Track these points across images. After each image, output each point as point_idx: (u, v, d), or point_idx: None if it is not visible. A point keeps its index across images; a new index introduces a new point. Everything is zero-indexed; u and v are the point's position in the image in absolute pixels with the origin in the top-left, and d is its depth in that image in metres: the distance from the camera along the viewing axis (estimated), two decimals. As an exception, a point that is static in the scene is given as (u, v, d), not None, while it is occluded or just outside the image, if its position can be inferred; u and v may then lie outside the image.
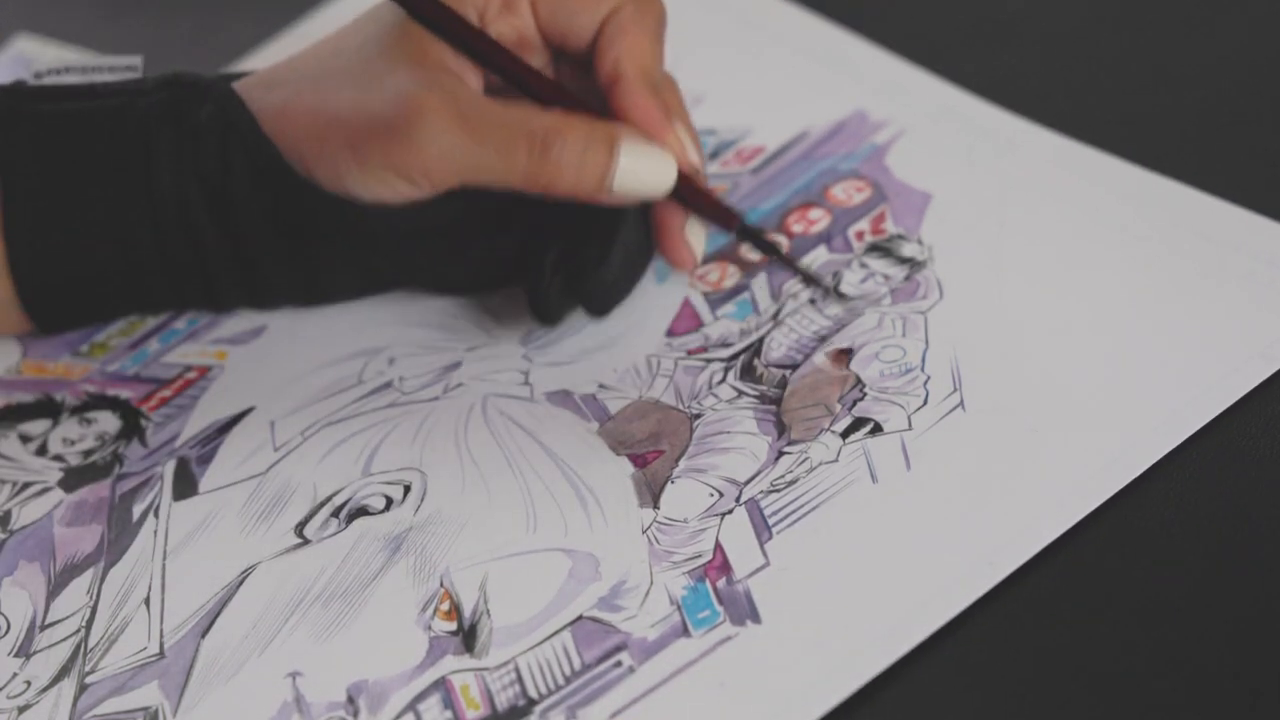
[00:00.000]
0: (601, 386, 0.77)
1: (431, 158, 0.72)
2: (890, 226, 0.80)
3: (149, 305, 0.81)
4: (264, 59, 0.93)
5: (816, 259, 0.80)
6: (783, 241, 0.80)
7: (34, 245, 0.77)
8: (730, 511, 0.71)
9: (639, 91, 0.74)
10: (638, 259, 0.77)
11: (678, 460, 0.73)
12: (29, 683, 0.71)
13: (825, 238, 0.81)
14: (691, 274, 0.79)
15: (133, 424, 0.79)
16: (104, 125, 0.77)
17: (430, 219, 0.76)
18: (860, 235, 0.80)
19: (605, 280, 0.76)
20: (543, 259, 0.76)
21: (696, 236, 0.75)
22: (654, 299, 0.80)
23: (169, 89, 0.78)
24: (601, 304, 0.77)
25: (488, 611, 0.69)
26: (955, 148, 0.83)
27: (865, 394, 0.74)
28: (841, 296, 0.77)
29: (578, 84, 0.76)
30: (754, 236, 0.75)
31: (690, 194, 0.74)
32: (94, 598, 0.73)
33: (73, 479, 0.77)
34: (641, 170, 0.72)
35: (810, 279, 0.76)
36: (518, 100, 0.74)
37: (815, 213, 0.82)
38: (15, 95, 0.78)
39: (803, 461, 0.72)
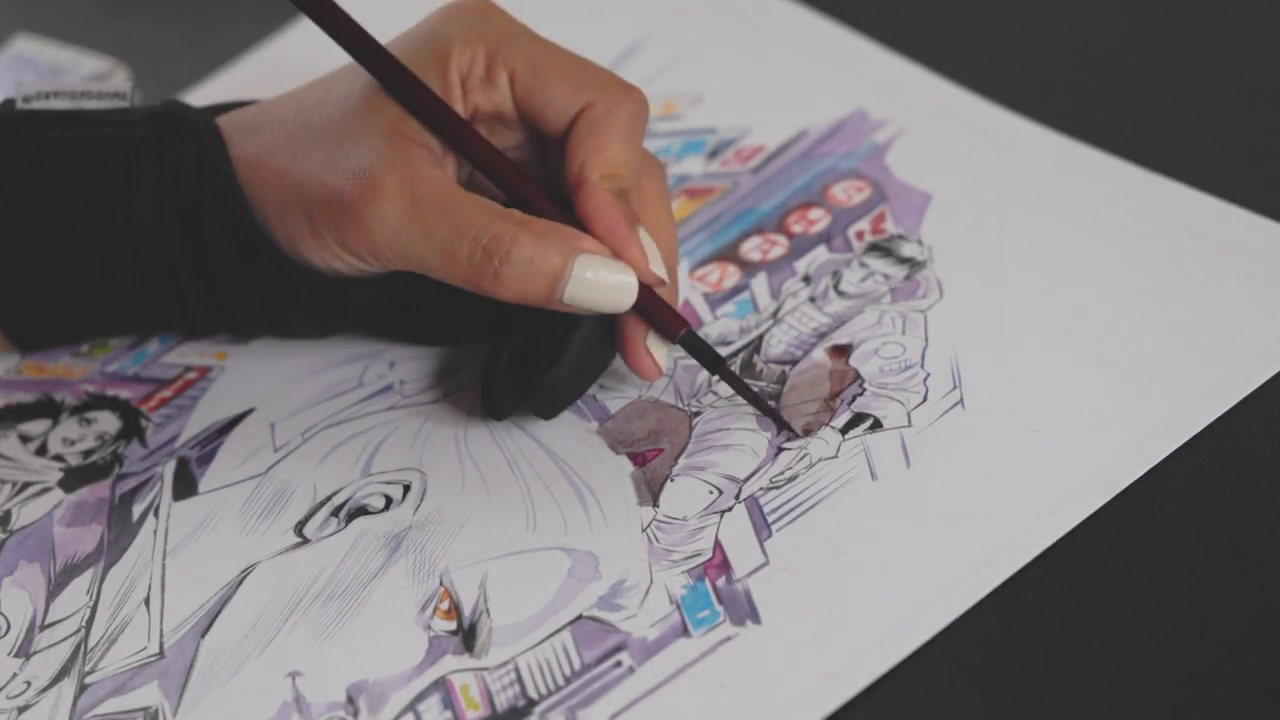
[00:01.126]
0: (601, 386, 0.77)
1: (379, 241, 0.71)
2: (890, 226, 0.80)
3: (128, 330, 0.81)
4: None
5: (816, 258, 0.80)
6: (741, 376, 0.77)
7: (15, 271, 0.77)
8: (730, 509, 0.71)
9: (601, 200, 0.72)
10: (594, 361, 0.75)
11: (677, 458, 0.73)
12: (29, 683, 0.71)
13: (825, 237, 0.80)
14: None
15: (133, 424, 0.79)
16: (89, 156, 0.76)
17: (392, 290, 0.76)
18: (860, 235, 0.80)
19: (553, 385, 0.74)
20: (497, 355, 0.75)
21: (659, 348, 0.73)
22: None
23: (155, 121, 0.77)
24: (548, 408, 0.75)
25: (487, 611, 0.69)
26: (955, 147, 0.83)
27: (865, 389, 0.74)
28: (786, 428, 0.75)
29: (554, 164, 0.74)
30: (700, 351, 0.73)
31: (650, 306, 0.72)
32: (94, 598, 0.73)
33: (73, 479, 0.77)
34: (599, 286, 0.71)
35: (775, 418, 0.74)
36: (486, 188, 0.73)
37: (815, 212, 0.82)
38: (1, 121, 0.78)
39: (802, 458, 0.72)
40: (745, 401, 0.74)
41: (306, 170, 0.73)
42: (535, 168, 0.75)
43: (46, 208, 0.77)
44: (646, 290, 0.72)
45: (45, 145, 0.77)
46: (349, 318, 0.78)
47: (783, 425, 0.73)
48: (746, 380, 0.75)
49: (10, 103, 0.78)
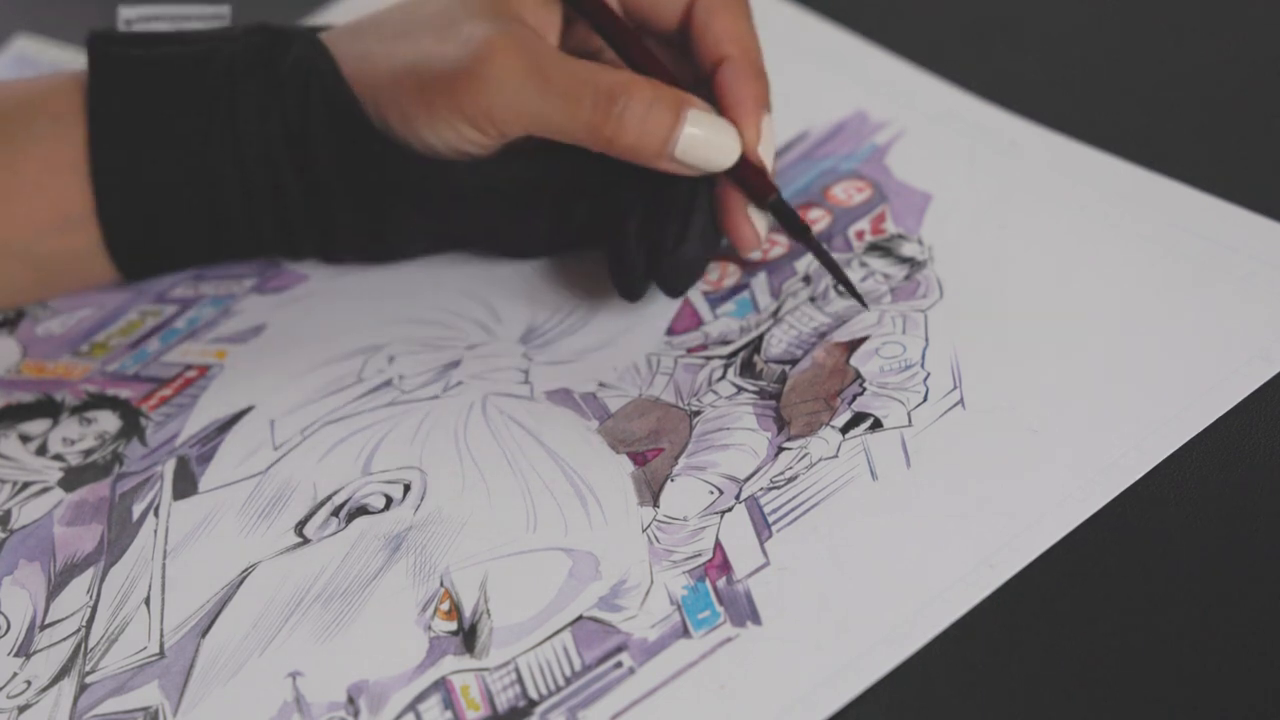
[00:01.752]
0: (601, 385, 0.77)
1: (497, 102, 0.73)
2: (890, 226, 0.80)
3: (229, 252, 0.81)
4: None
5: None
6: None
7: (121, 189, 0.78)
8: (730, 509, 0.71)
9: (746, 76, 0.75)
10: (711, 238, 0.77)
11: (677, 458, 0.73)
12: (29, 682, 0.71)
13: (825, 237, 0.80)
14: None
15: (132, 423, 0.79)
16: (192, 70, 0.77)
17: (499, 178, 0.77)
18: (860, 235, 0.80)
19: (683, 259, 0.75)
20: (625, 231, 0.76)
21: (759, 217, 0.75)
22: (654, 299, 0.80)
23: (256, 35, 0.78)
24: (679, 284, 0.76)
25: (488, 611, 0.69)
26: (955, 148, 0.83)
27: (865, 389, 0.74)
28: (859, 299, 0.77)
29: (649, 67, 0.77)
30: (788, 219, 0.76)
31: (746, 174, 0.74)
32: (94, 597, 0.73)
33: (73, 478, 0.77)
34: (706, 141, 0.73)
35: (854, 293, 0.76)
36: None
37: (815, 213, 0.82)
38: (105, 40, 0.78)
39: (802, 458, 0.72)
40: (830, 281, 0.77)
41: (419, 49, 0.75)
42: (650, 50, 0.77)
43: (151, 124, 0.77)
44: (744, 159, 0.74)
45: (149, 61, 0.78)
46: (452, 214, 0.79)
47: (859, 298, 0.76)
48: (747, 379, 0.75)
49: (112, 28, 0.79)
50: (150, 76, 0.78)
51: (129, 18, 0.80)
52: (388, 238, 0.80)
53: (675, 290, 0.77)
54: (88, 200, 0.78)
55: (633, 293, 0.77)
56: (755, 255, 0.80)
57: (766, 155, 0.75)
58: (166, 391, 0.80)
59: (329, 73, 0.76)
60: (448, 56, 0.74)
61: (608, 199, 0.77)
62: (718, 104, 0.75)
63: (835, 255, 0.80)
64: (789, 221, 0.76)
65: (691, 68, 0.77)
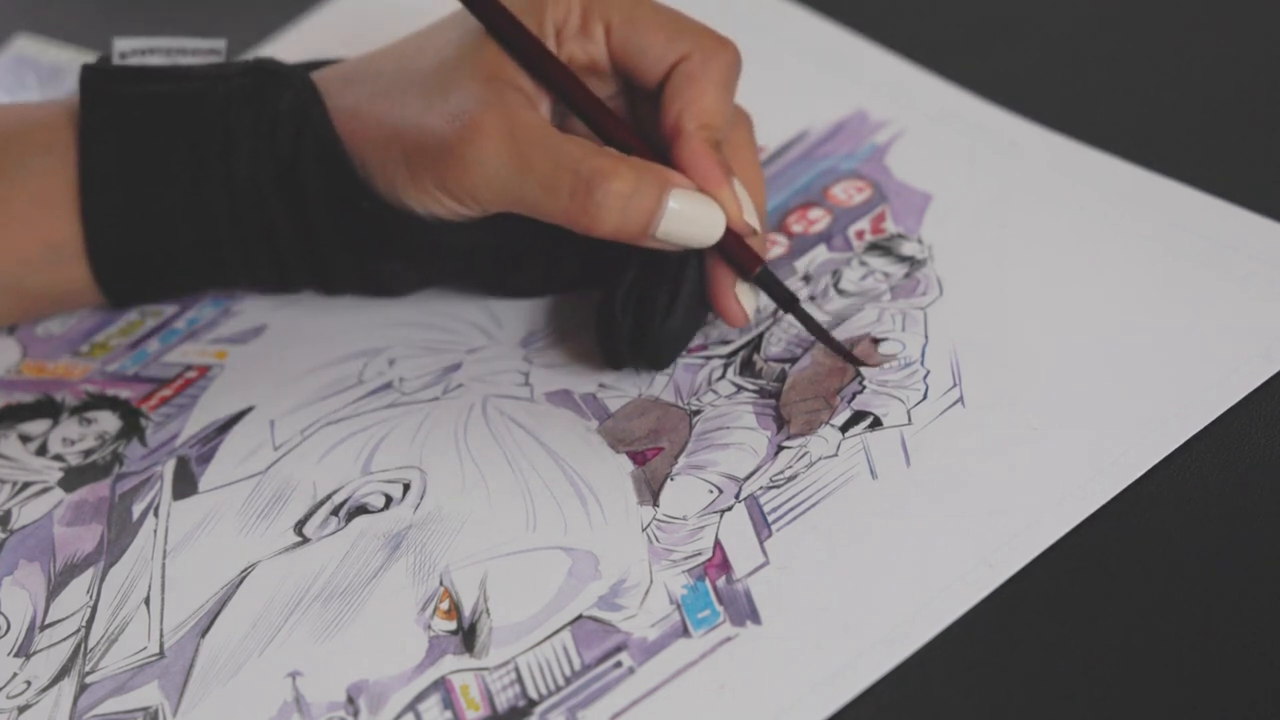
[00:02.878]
0: (601, 385, 0.77)
1: (478, 181, 0.72)
2: (890, 226, 0.80)
3: (220, 284, 0.81)
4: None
5: (816, 258, 0.80)
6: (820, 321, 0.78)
7: (112, 225, 0.77)
8: (730, 508, 0.71)
9: (698, 150, 0.73)
10: (697, 310, 0.76)
11: (677, 457, 0.73)
12: (29, 682, 0.71)
13: (825, 237, 0.80)
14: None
15: (132, 423, 0.79)
16: (185, 108, 0.77)
17: (487, 235, 0.76)
18: (860, 234, 0.80)
19: (668, 333, 0.75)
20: (613, 299, 0.75)
21: (746, 294, 0.74)
22: (654, 298, 0.80)
23: (250, 75, 0.78)
24: (663, 358, 0.76)
25: (487, 610, 0.69)
26: (955, 148, 0.83)
27: (864, 387, 0.74)
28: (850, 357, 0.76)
29: (645, 115, 0.76)
30: (774, 290, 0.75)
31: (731, 246, 0.73)
32: (94, 597, 0.73)
33: (73, 479, 0.77)
34: (689, 220, 0.72)
35: (846, 355, 0.75)
36: (580, 132, 0.74)
37: (815, 212, 0.82)
38: (100, 75, 0.78)
39: (802, 456, 0.72)
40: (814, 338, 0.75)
41: (405, 115, 0.74)
42: (627, 120, 0.76)
43: (143, 161, 0.77)
44: (729, 232, 0.73)
45: (142, 99, 0.77)
46: (442, 267, 0.79)
47: (852, 361, 0.75)
48: (746, 378, 0.75)
49: (106, 58, 0.79)
50: (143, 113, 0.77)
51: (124, 50, 0.79)
52: (382, 281, 0.80)
53: (659, 364, 0.76)
54: (77, 235, 0.77)
55: (618, 362, 0.77)
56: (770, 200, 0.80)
57: (752, 218, 0.73)
58: (166, 392, 0.80)
59: (321, 124, 0.76)
60: (434, 129, 0.73)
61: (598, 256, 0.76)
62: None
63: (835, 255, 0.80)
64: (777, 293, 0.74)
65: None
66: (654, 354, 0.76)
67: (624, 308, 0.75)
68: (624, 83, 0.76)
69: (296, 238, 0.77)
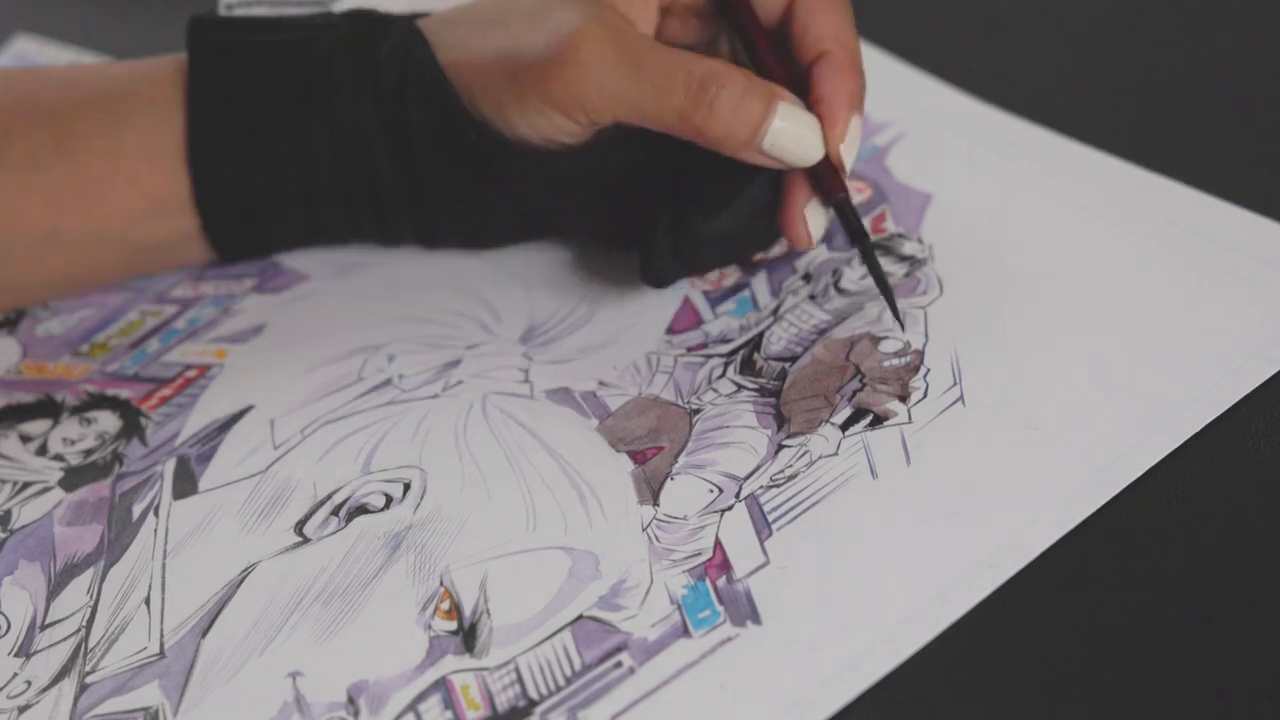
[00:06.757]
0: (601, 384, 0.77)
1: (588, 89, 0.73)
2: (891, 226, 0.80)
3: (326, 236, 0.81)
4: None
5: (816, 257, 0.80)
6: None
7: (219, 174, 0.78)
8: (730, 508, 0.71)
9: (845, 73, 0.74)
10: (748, 226, 0.77)
11: (677, 456, 0.73)
12: (29, 682, 0.71)
13: (825, 237, 0.80)
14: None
15: (133, 423, 0.79)
16: (291, 56, 0.78)
17: (590, 168, 0.76)
18: (860, 233, 0.80)
19: (703, 235, 0.75)
20: (662, 221, 0.76)
21: (816, 216, 0.75)
22: (654, 298, 0.80)
23: (354, 22, 0.78)
24: (705, 261, 0.77)
25: (488, 611, 0.69)
26: (955, 150, 0.83)
27: (864, 385, 0.74)
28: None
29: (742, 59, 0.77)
30: (849, 219, 0.75)
31: (821, 169, 0.74)
32: (94, 597, 0.73)
33: (73, 478, 0.77)
34: (795, 135, 0.73)
35: (892, 305, 0.76)
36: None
37: (815, 211, 0.82)
38: (205, 25, 0.79)
39: (802, 455, 0.72)
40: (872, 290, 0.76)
41: (508, 37, 0.75)
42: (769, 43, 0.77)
43: (249, 109, 0.78)
44: (827, 164, 0.74)
45: (248, 48, 0.78)
46: (545, 205, 0.79)
47: (896, 315, 0.75)
48: (746, 376, 0.75)
49: (213, 12, 0.79)
50: (249, 63, 0.78)
51: (229, 3, 0.80)
52: (485, 224, 0.80)
53: (699, 266, 0.76)
54: (185, 188, 0.78)
55: (661, 276, 0.77)
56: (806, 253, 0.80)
57: (848, 154, 0.74)
58: (166, 391, 0.80)
59: (426, 60, 0.76)
60: (538, 44, 0.74)
61: (694, 195, 0.77)
62: (809, 98, 0.75)
63: (835, 254, 0.80)
64: (851, 224, 0.75)
65: (786, 65, 0.77)
66: (694, 255, 0.76)
67: (671, 223, 0.75)
68: (724, 25, 0.78)
69: (401, 183, 0.78)
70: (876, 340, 0.76)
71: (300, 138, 0.77)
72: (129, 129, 0.78)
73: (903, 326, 0.75)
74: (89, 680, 0.70)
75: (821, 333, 0.77)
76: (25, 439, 0.79)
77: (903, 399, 0.73)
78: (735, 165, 0.74)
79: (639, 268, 0.78)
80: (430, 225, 0.80)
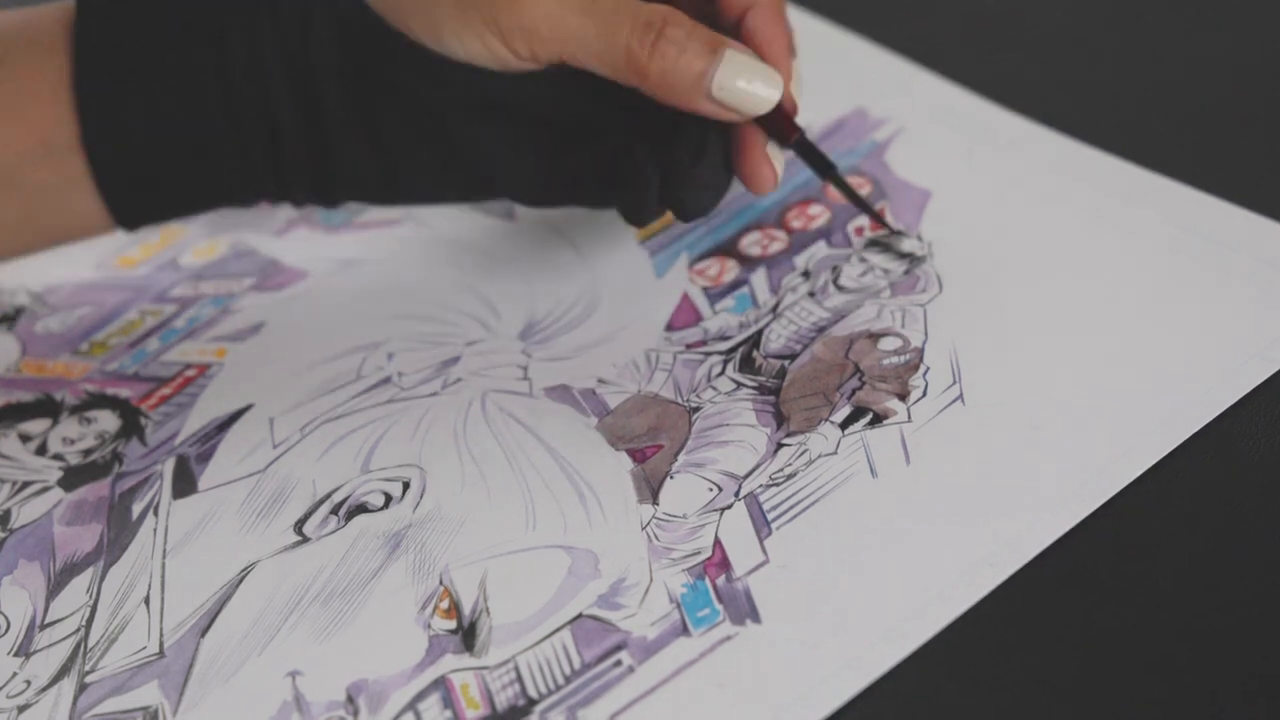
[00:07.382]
0: (600, 381, 0.77)
1: (538, 18, 0.71)
2: (890, 222, 0.80)
3: (219, 190, 0.78)
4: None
5: (816, 254, 0.80)
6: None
7: (104, 118, 0.75)
8: (729, 507, 0.71)
9: (774, 21, 0.74)
10: (724, 174, 0.75)
11: (676, 455, 0.73)
12: (29, 682, 0.71)
13: (825, 233, 0.80)
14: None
15: (132, 422, 0.79)
16: None
17: (525, 97, 0.74)
18: (860, 231, 0.80)
19: (701, 178, 0.74)
20: (636, 152, 0.74)
21: (776, 159, 0.74)
22: (653, 294, 0.80)
23: None
24: (699, 203, 0.75)
25: (487, 610, 0.69)
26: (955, 146, 0.83)
27: (864, 383, 0.74)
28: (898, 235, 0.76)
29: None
30: (812, 156, 0.75)
31: (774, 115, 0.73)
32: (94, 597, 0.73)
33: (72, 478, 0.77)
34: (746, 81, 0.72)
35: (877, 219, 0.76)
36: None
37: (815, 208, 0.82)
38: None
39: (802, 454, 0.72)
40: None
41: None
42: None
43: (135, 53, 0.75)
44: (780, 111, 0.73)
45: None
46: (467, 144, 0.75)
47: (884, 225, 0.76)
48: (746, 374, 0.75)
49: None
50: (136, 4, 0.75)
51: None
52: (394, 173, 0.76)
53: (694, 210, 0.75)
54: (72, 129, 0.75)
55: (642, 214, 0.75)
56: (769, 197, 0.80)
57: (798, 94, 0.74)
58: (166, 390, 0.80)
59: None
60: None
61: (615, 146, 0.75)
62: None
63: (835, 251, 0.80)
64: (814, 158, 0.74)
65: (715, 25, 0.75)
66: (688, 201, 0.74)
67: (651, 157, 0.74)
68: None
69: (298, 122, 0.75)
70: (876, 338, 0.76)
71: (187, 79, 0.75)
72: (15, 67, 0.76)
73: (894, 230, 0.76)
74: (88, 680, 0.70)
75: (821, 330, 0.77)
76: (25, 438, 0.79)
77: (902, 397, 0.73)
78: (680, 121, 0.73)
79: (617, 205, 0.76)
80: (333, 177, 0.77)
